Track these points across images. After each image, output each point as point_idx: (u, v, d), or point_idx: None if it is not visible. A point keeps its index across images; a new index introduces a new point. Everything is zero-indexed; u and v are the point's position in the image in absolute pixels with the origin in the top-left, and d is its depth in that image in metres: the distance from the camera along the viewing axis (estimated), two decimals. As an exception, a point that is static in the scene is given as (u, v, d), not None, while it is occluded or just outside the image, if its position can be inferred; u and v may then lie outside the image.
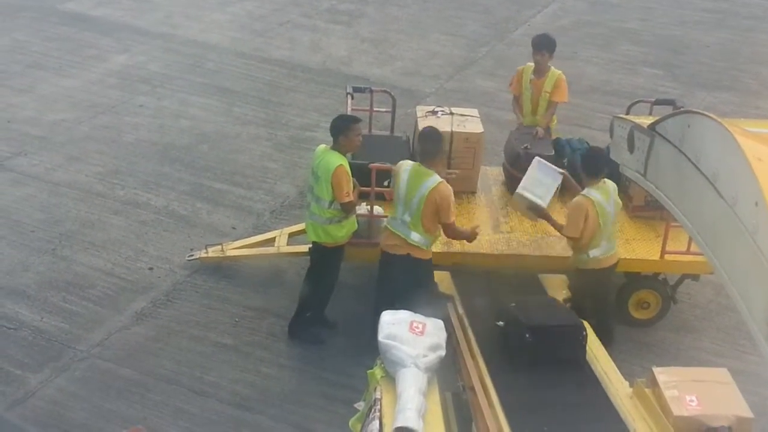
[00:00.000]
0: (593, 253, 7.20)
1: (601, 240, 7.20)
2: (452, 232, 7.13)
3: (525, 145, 8.47)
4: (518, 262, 7.78)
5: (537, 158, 7.75)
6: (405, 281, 6.96)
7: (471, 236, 7.25)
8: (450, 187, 6.93)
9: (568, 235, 7.21)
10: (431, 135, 7.13)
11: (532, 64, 8.94)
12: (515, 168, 8.55)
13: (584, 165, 7.33)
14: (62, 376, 7.16)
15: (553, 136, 8.97)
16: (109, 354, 7.44)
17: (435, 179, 6.87)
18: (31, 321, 7.76)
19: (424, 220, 6.90)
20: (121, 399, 6.97)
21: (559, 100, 8.92)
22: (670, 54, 14.50)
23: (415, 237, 6.96)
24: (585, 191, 7.16)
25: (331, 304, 7.63)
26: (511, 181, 8.72)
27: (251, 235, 8.93)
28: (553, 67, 8.90)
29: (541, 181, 7.53)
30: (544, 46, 8.83)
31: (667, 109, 7.82)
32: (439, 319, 6.20)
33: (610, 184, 7.24)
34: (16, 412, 6.78)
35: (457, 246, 7.80)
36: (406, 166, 7.04)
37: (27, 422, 6.67)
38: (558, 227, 7.37)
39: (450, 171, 7.86)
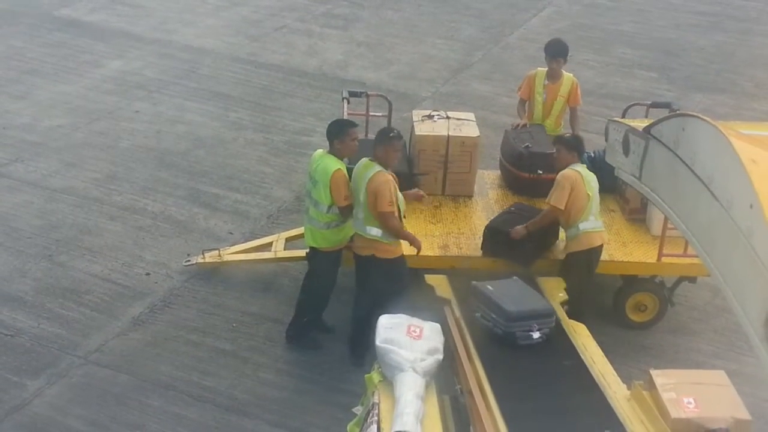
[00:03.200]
0: (583, 226, 7.35)
1: (590, 214, 7.37)
2: (388, 223, 6.93)
3: (526, 144, 8.50)
4: (516, 265, 7.78)
5: None
6: (376, 282, 7.12)
7: (412, 241, 7.16)
8: (389, 177, 6.91)
9: (553, 204, 7.33)
10: (382, 131, 7.23)
11: (543, 69, 8.98)
12: (516, 167, 8.57)
13: (570, 144, 7.58)
14: (60, 383, 7.16)
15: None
16: (107, 360, 7.44)
17: (374, 169, 6.92)
18: (28, 328, 7.75)
19: (373, 212, 6.94)
20: (120, 405, 6.97)
21: (578, 104, 9.07)
22: (665, 57, 14.53)
23: (373, 231, 7.01)
24: (570, 166, 7.43)
25: (328, 309, 7.63)
26: (510, 180, 8.73)
27: (248, 240, 8.92)
28: (565, 72, 8.95)
29: None
30: (560, 53, 8.90)
31: (663, 112, 7.85)
32: (435, 322, 6.22)
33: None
34: (13, 420, 6.77)
35: (454, 250, 7.81)
36: (358, 164, 7.13)
37: (24, 430, 6.68)
38: (543, 214, 7.59)
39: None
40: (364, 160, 7.07)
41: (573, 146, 7.57)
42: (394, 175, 7.05)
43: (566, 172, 7.38)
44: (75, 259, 8.71)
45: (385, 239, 7.04)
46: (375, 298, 7.06)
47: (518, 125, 8.92)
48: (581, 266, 7.46)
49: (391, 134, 7.08)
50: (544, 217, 7.53)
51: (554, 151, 8.20)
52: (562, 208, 7.31)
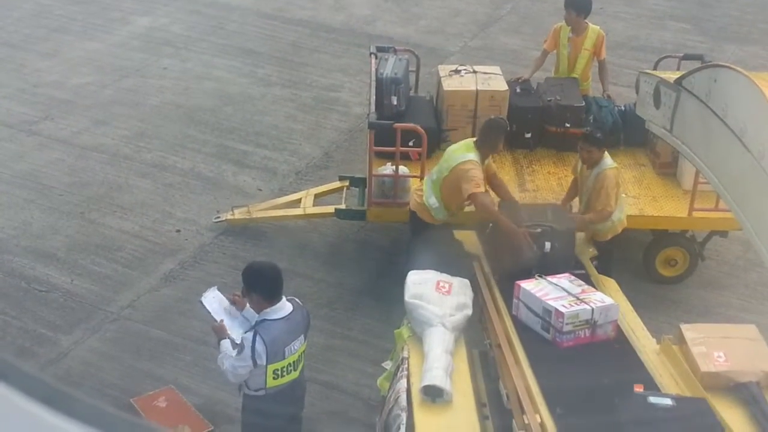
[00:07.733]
0: (616, 215, 7.17)
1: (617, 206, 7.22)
2: (480, 203, 6.75)
3: (555, 96, 8.40)
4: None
5: None
6: (413, 237, 7.19)
7: (509, 229, 6.58)
8: (480, 168, 6.77)
9: (610, 209, 6.96)
10: (493, 123, 7.07)
11: None
12: (543, 120, 8.48)
13: (599, 142, 6.97)
14: (93, 338, 7.27)
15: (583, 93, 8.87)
16: (139, 315, 7.54)
17: (469, 156, 6.78)
18: (61, 283, 7.86)
19: (444, 188, 6.91)
20: (152, 359, 7.07)
21: (600, 57, 8.85)
22: (698, 7, 14.26)
23: (432, 201, 7.00)
24: (603, 162, 6.97)
25: (357, 265, 7.63)
26: (539, 134, 8.62)
27: (277, 197, 8.95)
28: (591, 24, 8.79)
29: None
30: (570, 4, 8.70)
31: (696, 64, 7.72)
32: (465, 278, 6.22)
33: None
34: (48, 374, 6.89)
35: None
36: (467, 138, 7.21)
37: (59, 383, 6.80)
38: (590, 218, 7.10)
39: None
40: (471, 139, 7.09)
41: (602, 143, 7.02)
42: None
43: (608, 172, 6.93)
44: (106, 216, 8.79)
45: (434, 212, 7.04)
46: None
47: (518, 78, 8.82)
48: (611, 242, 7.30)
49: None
50: (600, 220, 7.07)
51: (584, 104, 8.13)
52: (614, 208, 7.02)
